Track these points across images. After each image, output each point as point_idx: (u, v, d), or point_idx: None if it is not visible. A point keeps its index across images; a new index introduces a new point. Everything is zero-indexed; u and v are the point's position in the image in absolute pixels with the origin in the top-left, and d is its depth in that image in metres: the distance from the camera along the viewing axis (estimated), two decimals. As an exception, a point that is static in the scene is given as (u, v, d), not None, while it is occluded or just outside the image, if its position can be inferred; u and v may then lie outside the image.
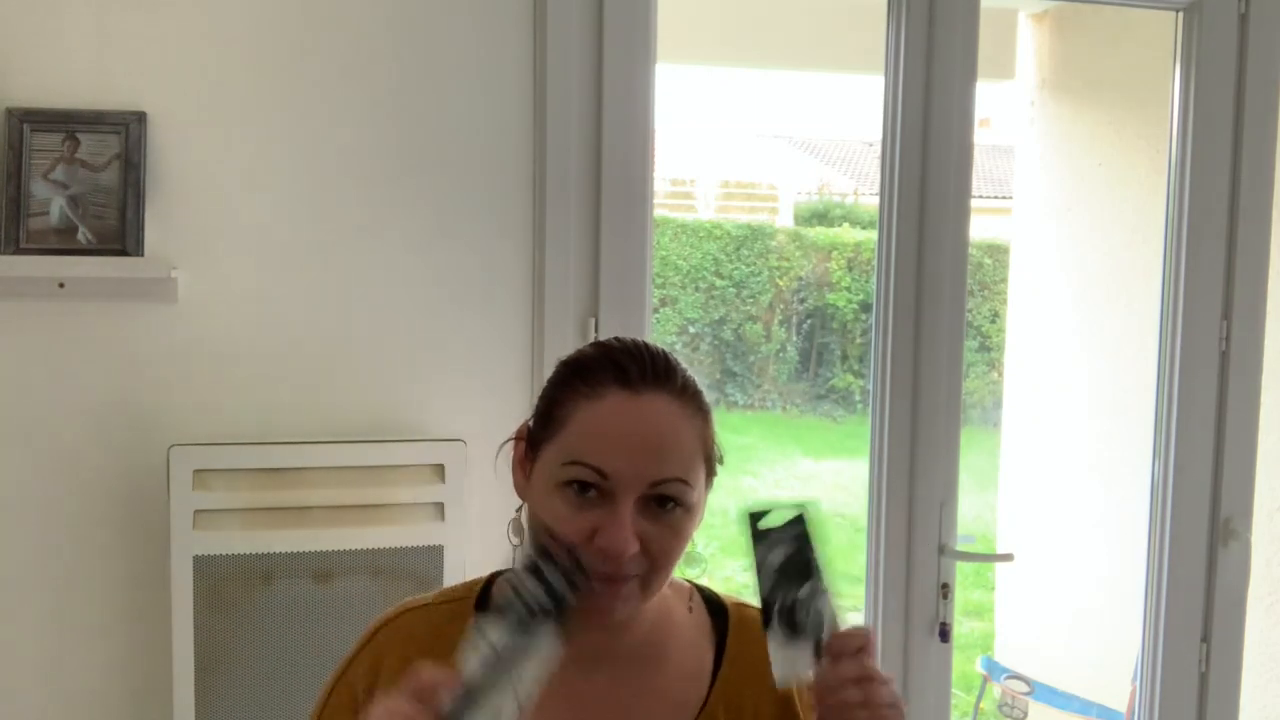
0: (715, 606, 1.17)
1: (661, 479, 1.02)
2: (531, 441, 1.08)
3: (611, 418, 1.03)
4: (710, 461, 1.08)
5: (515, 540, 1.11)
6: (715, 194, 11.60)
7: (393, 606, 1.15)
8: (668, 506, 1.03)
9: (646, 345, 1.08)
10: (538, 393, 1.72)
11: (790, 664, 1.01)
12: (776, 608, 1.02)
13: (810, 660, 1.01)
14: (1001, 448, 4.22)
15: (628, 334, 1.13)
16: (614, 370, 1.04)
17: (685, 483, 1.04)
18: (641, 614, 1.09)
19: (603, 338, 1.15)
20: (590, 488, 1.01)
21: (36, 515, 1.82)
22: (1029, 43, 3.78)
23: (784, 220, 11.28)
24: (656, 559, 1.03)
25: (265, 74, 1.85)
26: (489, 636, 0.93)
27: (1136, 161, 3.30)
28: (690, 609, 1.15)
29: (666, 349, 1.09)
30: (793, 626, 1.01)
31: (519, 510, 1.11)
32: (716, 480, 1.11)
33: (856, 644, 1.00)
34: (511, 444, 1.11)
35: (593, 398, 1.03)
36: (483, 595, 1.13)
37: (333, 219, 1.88)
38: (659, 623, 1.12)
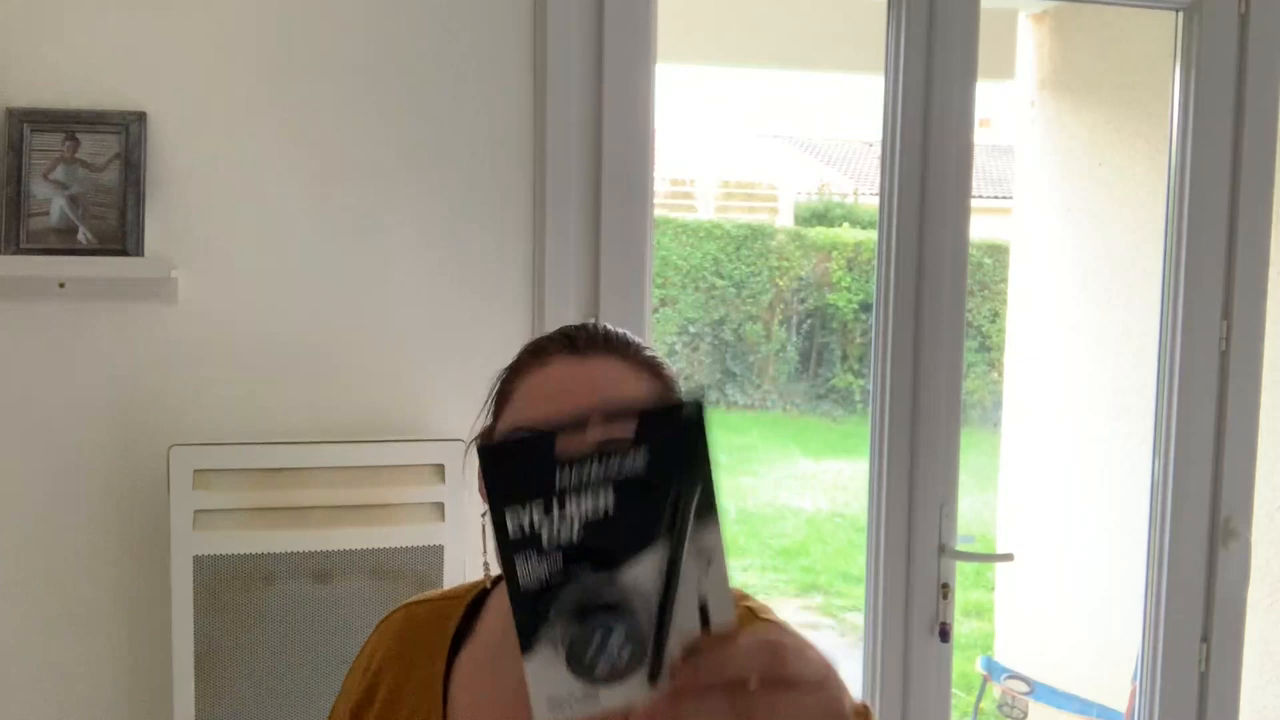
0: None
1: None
2: (488, 439, 1.04)
3: (555, 380, 0.97)
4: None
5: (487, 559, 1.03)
6: (715, 194, 11.60)
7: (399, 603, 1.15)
8: None
9: (606, 325, 1.03)
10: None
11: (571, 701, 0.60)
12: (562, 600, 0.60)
13: (637, 691, 0.61)
14: (1001, 448, 4.22)
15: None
16: (562, 340, 1.00)
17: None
18: None
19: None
20: None
21: (36, 515, 1.82)
22: (1029, 43, 3.78)
23: (784, 220, 11.29)
24: None
25: (265, 74, 1.85)
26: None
27: (1136, 161, 3.31)
28: None
29: (629, 333, 1.04)
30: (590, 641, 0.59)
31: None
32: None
33: (726, 670, 0.61)
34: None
35: (540, 366, 0.99)
36: (484, 592, 1.10)
37: (333, 219, 1.89)
38: None
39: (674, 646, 0.61)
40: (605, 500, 0.59)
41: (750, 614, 1.00)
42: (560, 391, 0.96)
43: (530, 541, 0.58)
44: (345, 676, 1.14)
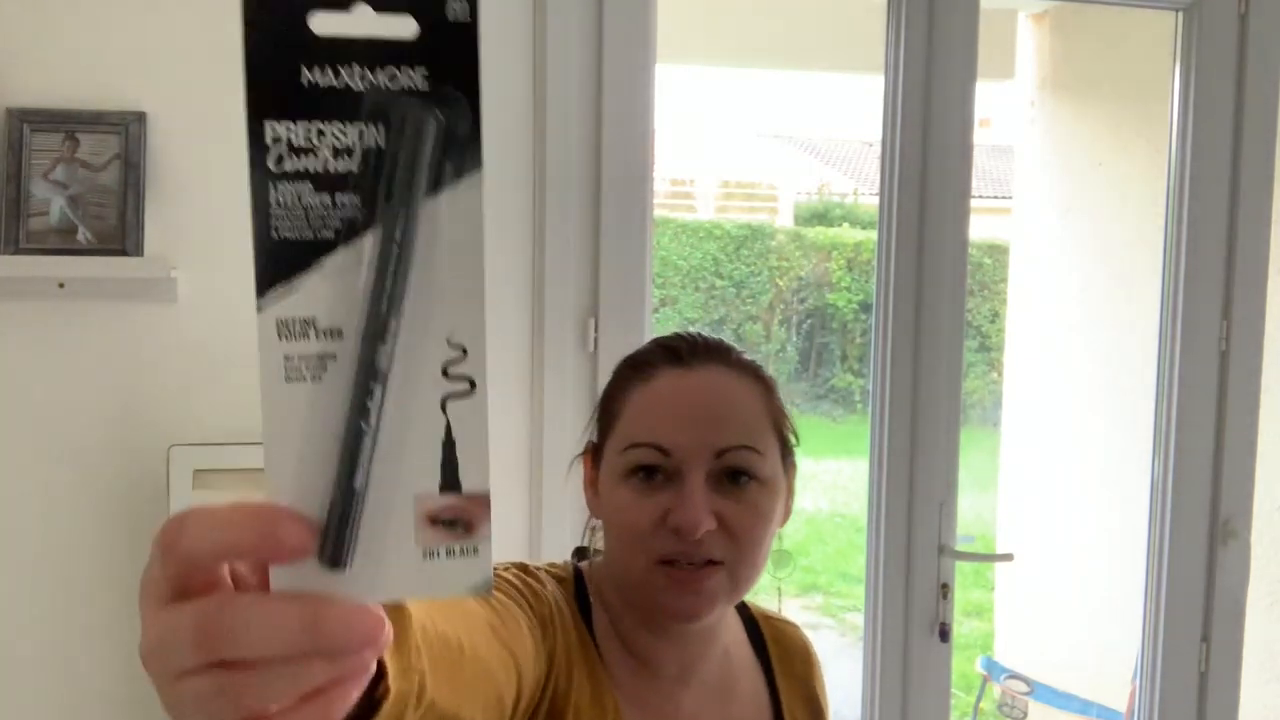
0: (743, 615, 1.13)
1: (726, 447, 0.95)
2: (595, 454, 1.03)
3: (665, 393, 0.97)
4: (783, 436, 1.02)
5: (599, 559, 1.03)
6: (715, 194, 11.60)
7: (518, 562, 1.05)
8: (741, 481, 0.96)
9: (700, 332, 1.05)
10: (538, 394, 1.72)
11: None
12: None
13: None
14: (1001, 448, 4.23)
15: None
16: (664, 353, 1.00)
17: (753, 450, 0.96)
18: (715, 632, 1.03)
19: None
20: (655, 471, 0.95)
21: (36, 515, 1.82)
22: (1029, 43, 3.78)
23: (784, 220, 11.29)
24: (738, 538, 0.95)
25: (265, 74, 1.84)
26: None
27: (1136, 161, 3.31)
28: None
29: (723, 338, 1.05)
30: None
31: (589, 529, 1.07)
32: None
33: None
34: (581, 467, 1.06)
35: (646, 380, 0.99)
36: (578, 583, 1.04)
37: (333, 219, 1.88)
38: (728, 643, 1.08)
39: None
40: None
41: None
42: (671, 404, 0.97)
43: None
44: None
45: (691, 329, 1.07)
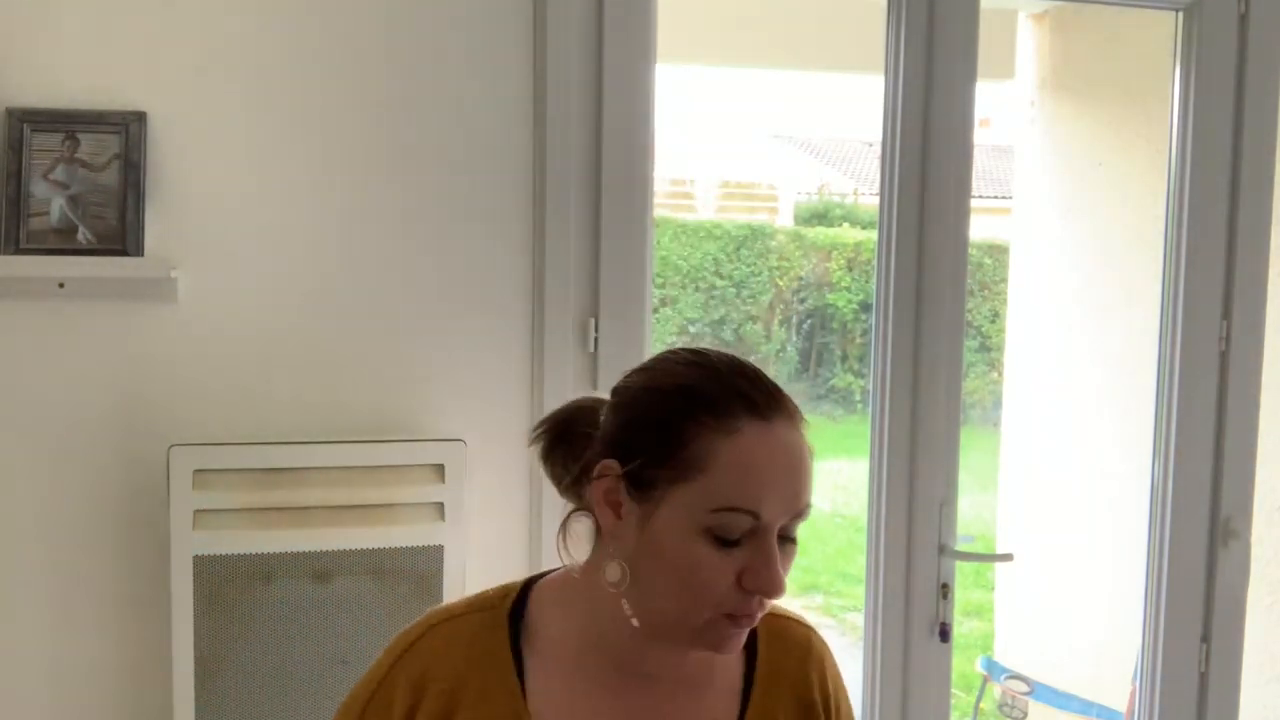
0: None
1: (801, 510, 0.99)
2: (640, 478, 0.99)
3: (759, 456, 0.97)
4: None
5: (615, 581, 1.01)
6: (715, 194, 11.59)
7: (414, 623, 1.08)
8: (793, 535, 1.00)
9: (738, 358, 1.03)
10: (538, 394, 1.72)
11: None
12: None
13: None
14: (1001, 448, 4.22)
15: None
16: (741, 399, 0.98)
17: (811, 506, 1.01)
18: None
19: (668, 351, 1.07)
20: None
21: (36, 515, 1.81)
22: (1029, 43, 3.78)
23: (784, 220, 11.28)
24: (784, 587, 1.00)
25: (265, 74, 1.85)
26: None
27: (1136, 161, 3.30)
28: None
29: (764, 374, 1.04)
30: None
31: (566, 520, 1.05)
32: None
33: None
34: (598, 479, 1.02)
35: (731, 433, 0.97)
36: (517, 605, 1.07)
37: (333, 219, 1.88)
38: None
39: None
40: None
41: None
42: (767, 468, 0.97)
43: None
44: (363, 704, 1.05)
45: (702, 342, 1.05)
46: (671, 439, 0.98)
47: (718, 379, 1.00)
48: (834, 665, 1.16)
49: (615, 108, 1.95)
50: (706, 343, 9.49)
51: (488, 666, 1.04)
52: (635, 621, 1.01)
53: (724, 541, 0.96)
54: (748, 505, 0.96)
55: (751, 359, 1.04)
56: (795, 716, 1.10)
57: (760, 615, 1.00)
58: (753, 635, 1.10)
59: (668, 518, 0.97)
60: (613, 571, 1.00)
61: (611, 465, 1.01)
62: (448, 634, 1.06)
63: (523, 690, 1.04)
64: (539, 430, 1.09)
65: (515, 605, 1.07)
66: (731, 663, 1.10)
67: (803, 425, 1.02)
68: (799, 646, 1.13)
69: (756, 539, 0.96)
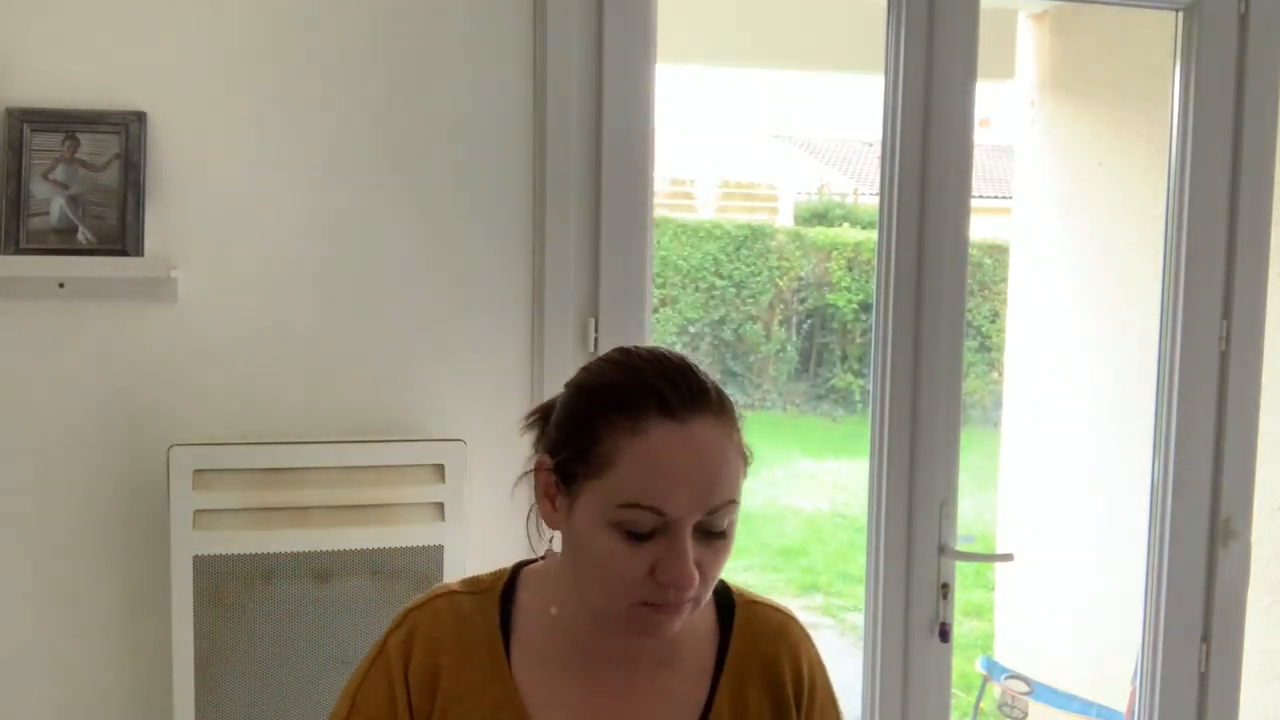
0: (722, 600, 1.16)
1: (716, 505, 1.01)
2: (566, 473, 1.04)
3: (663, 454, 1.00)
4: (745, 464, 1.07)
5: (543, 551, 1.12)
6: (715, 194, 11.59)
7: (424, 593, 1.16)
8: (718, 530, 1.03)
9: (669, 358, 1.05)
10: (538, 394, 1.72)
11: None
12: None
13: None
14: (1001, 448, 4.22)
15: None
16: (654, 399, 1.01)
17: (735, 502, 1.03)
18: None
19: (610, 350, 1.12)
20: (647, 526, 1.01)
21: (36, 515, 1.82)
22: (1029, 43, 3.78)
23: (784, 220, 11.28)
24: (710, 579, 1.04)
25: (265, 74, 1.85)
26: None
27: (1136, 161, 3.30)
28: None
29: (682, 354, 1.07)
30: None
31: (533, 508, 1.11)
32: None
33: None
34: (533, 474, 1.10)
35: (638, 433, 1.00)
36: (508, 587, 1.14)
37: (333, 219, 1.88)
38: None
39: None
40: None
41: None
42: (671, 467, 1.00)
43: None
44: (366, 666, 1.13)
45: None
46: (587, 436, 1.03)
47: (636, 378, 1.03)
48: (811, 650, 1.18)
49: (615, 108, 1.95)
50: (706, 343, 9.49)
51: (476, 642, 1.11)
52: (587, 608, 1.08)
53: (635, 535, 1.00)
54: (649, 502, 0.99)
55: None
56: (766, 696, 1.13)
57: (686, 605, 1.03)
58: (729, 620, 1.15)
59: (584, 511, 1.03)
60: (554, 560, 1.11)
61: (544, 459, 1.07)
62: (444, 607, 1.13)
63: (509, 667, 1.10)
64: (531, 417, 1.14)
65: (506, 588, 1.14)
66: (703, 646, 1.14)
67: (731, 424, 1.04)
68: (772, 630, 1.16)
69: (669, 534, 1.00)
